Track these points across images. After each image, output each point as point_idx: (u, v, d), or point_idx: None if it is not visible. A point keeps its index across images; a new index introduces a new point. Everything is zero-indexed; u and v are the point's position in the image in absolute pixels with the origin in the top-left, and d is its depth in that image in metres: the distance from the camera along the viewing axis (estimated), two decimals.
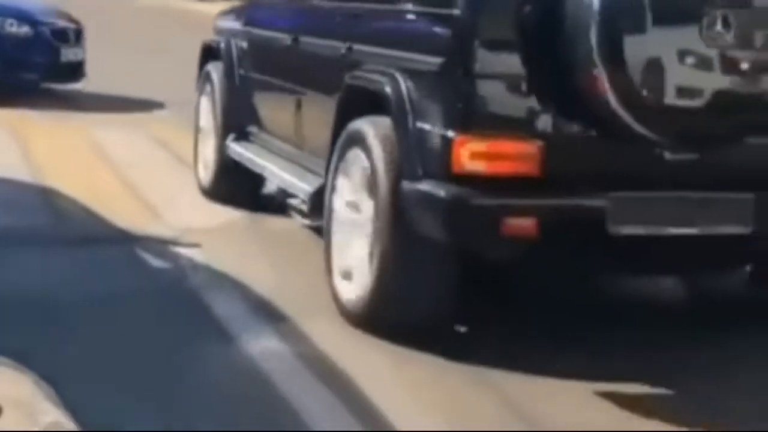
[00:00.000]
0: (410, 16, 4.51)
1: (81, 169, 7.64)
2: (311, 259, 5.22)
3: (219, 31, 7.05)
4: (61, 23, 11.66)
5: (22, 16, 11.30)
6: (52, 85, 11.54)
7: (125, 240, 5.83)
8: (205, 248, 5.58)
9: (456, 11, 4.09)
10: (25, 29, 11.10)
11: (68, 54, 11.37)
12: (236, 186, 6.58)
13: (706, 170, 4.18)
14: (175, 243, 5.69)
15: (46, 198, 6.76)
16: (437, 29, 4.26)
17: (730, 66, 3.96)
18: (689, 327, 4.91)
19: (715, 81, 3.98)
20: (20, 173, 7.21)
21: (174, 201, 6.86)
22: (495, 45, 4.05)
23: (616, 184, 4.12)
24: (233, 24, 6.82)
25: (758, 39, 3.95)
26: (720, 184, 4.22)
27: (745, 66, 3.97)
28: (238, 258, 5.54)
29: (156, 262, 5.45)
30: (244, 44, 6.50)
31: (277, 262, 5.54)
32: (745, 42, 3.94)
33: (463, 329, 4.69)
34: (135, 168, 7.68)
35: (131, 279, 5.20)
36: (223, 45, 6.73)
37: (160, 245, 5.68)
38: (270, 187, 6.68)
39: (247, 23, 6.56)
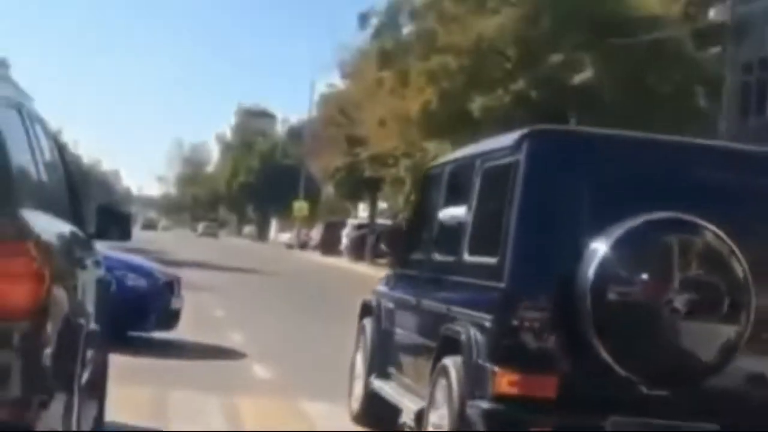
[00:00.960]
0: (480, 288, 6.69)
1: None
2: None
3: (374, 293, 9.43)
4: (168, 276, 13.98)
5: (140, 270, 13.58)
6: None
7: None
8: None
9: (502, 284, 6.31)
10: (143, 282, 13.20)
11: (175, 303, 13.52)
12: (379, 413, 8.79)
13: (677, 403, 6.10)
14: None
15: None
16: (490, 296, 6.42)
17: (686, 330, 5.95)
18: None
19: (676, 340, 5.97)
20: None
21: None
22: (527, 309, 6.15)
23: (612, 408, 6.07)
24: (383, 288, 9.21)
25: (704, 310, 5.96)
26: (689, 414, 6.11)
27: (696, 330, 5.95)
28: None
29: None
30: (389, 304, 8.84)
31: None
32: (695, 314, 5.95)
33: None
34: None
35: None
36: (374, 304, 9.13)
37: None
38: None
39: (391, 288, 8.96)
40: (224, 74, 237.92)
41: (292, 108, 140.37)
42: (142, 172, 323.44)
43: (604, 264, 5.95)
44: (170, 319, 13.42)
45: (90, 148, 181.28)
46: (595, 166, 6.40)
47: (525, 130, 6.60)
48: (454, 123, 35.37)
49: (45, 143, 5.64)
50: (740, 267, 5.98)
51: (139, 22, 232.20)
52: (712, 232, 5.98)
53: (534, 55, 34.17)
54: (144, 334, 13.36)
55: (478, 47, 34.95)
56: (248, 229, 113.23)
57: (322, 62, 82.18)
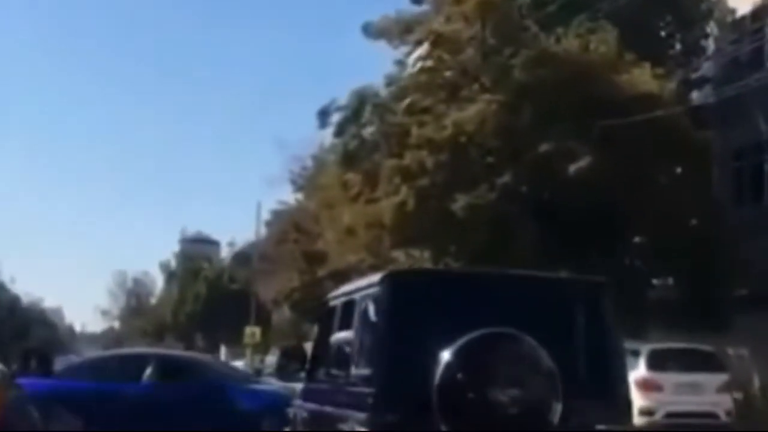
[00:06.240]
0: (360, 393, 9.82)
1: None
2: None
3: (293, 406, 12.91)
4: None
5: None
6: None
7: None
8: None
9: (374, 390, 9.46)
10: None
11: None
12: None
13: None
14: None
15: None
16: (366, 399, 9.56)
17: (510, 415, 9.58)
18: None
19: (504, 424, 9.28)
20: None
21: None
22: (391, 407, 9.33)
23: None
24: (298, 401, 12.65)
25: (524, 399, 9.38)
26: None
27: (519, 413, 9.55)
28: None
29: None
30: (303, 413, 12.18)
31: None
32: (517, 402, 9.56)
33: None
34: None
35: None
36: (292, 415, 12.61)
37: None
38: None
39: (303, 400, 12.46)
40: (164, 201, 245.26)
41: (236, 231, 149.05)
42: (85, 308, 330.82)
43: (447, 369, 8.99)
44: None
45: (29, 284, 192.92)
46: (438, 296, 9.58)
47: (386, 272, 10.08)
48: (434, 226, 37.20)
49: None
50: (549, 364, 9.18)
51: (73, 155, 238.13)
52: (527, 341, 9.20)
53: (520, 145, 35.92)
54: None
55: (456, 140, 36.92)
56: None
57: (270, 178, 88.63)
